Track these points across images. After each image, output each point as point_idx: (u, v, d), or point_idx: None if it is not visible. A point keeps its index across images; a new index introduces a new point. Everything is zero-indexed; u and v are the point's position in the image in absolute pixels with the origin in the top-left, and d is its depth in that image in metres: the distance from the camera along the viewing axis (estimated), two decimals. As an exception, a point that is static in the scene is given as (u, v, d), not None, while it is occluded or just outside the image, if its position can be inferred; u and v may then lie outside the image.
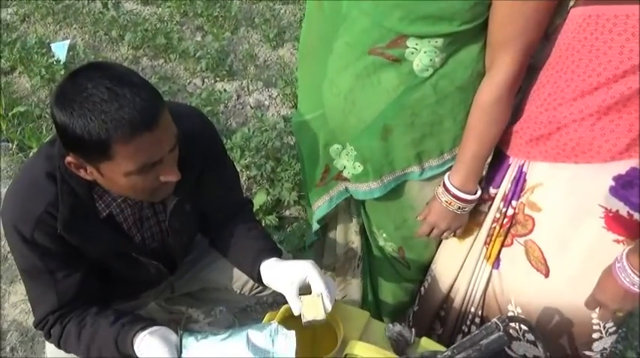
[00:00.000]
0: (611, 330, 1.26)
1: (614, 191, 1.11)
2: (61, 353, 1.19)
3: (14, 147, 2.73)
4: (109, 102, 0.94)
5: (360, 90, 1.28)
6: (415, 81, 1.24)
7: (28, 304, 1.51)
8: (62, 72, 3.23)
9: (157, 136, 0.99)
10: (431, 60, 1.21)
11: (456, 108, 1.27)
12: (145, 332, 1.06)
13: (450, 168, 1.32)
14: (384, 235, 1.56)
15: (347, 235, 1.64)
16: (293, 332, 1.04)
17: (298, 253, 1.96)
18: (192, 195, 1.27)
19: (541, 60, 1.19)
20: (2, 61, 3.33)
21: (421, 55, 1.20)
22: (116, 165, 1.00)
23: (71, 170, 1.06)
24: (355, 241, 1.64)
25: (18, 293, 2.11)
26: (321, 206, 1.53)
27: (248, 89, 3.19)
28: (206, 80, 3.29)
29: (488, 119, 1.21)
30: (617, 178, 1.11)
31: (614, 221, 1.13)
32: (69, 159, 1.03)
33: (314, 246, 1.76)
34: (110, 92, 0.95)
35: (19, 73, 3.33)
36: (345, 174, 1.45)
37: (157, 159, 1.02)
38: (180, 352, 1.03)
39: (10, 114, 2.83)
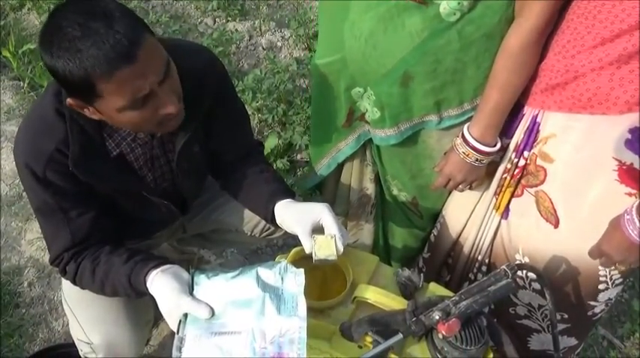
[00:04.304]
0: (617, 281, 1.27)
1: (629, 144, 1.10)
2: (78, 288, 1.22)
3: (25, 85, 2.72)
4: (83, 40, 0.91)
5: (382, 33, 1.25)
6: (440, 26, 1.20)
7: (44, 241, 1.54)
8: (71, 9, 3.15)
9: (139, 69, 0.95)
10: (459, 3, 1.17)
11: (481, 57, 1.24)
12: (158, 270, 1.08)
13: (469, 119, 1.30)
14: (399, 185, 1.56)
15: (362, 182, 1.64)
16: (302, 269, 1.05)
17: (309, 197, 1.97)
18: (201, 135, 1.27)
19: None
20: (11, -4, 3.26)
21: None
22: (107, 102, 0.99)
23: (77, 110, 1.05)
24: (370, 188, 1.65)
25: (34, 231, 2.15)
26: (350, 143, 1.52)
27: (260, 29, 3.12)
28: (217, 19, 3.22)
29: (513, 67, 1.18)
30: (634, 131, 1.09)
31: (627, 174, 1.12)
32: (69, 101, 1.02)
33: (324, 192, 1.76)
34: (83, 28, 0.92)
35: (28, 9, 3.26)
36: (366, 117, 1.43)
37: (147, 92, 0.99)
38: (192, 289, 1.05)
39: (20, 51, 2.80)
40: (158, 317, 1.80)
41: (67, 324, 1.48)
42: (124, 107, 0.99)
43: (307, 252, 1.12)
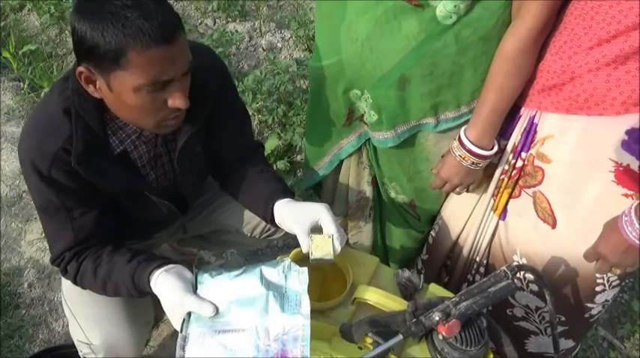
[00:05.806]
0: (614, 283, 1.27)
1: (626, 145, 1.10)
2: (77, 289, 1.22)
3: (26, 86, 2.72)
4: (132, 9, 0.95)
5: (379, 36, 1.25)
6: (437, 29, 1.20)
7: (45, 242, 1.53)
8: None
9: (173, 53, 0.99)
10: (455, 6, 1.16)
11: (478, 60, 1.24)
12: (161, 270, 1.08)
13: (466, 122, 1.30)
14: (397, 188, 1.56)
15: (359, 184, 1.64)
16: (305, 268, 1.06)
17: (309, 198, 1.97)
18: (203, 135, 1.27)
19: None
20: (11, -3, 3.27)
21: (445, 1, 1.15)
22: (127, 76, 0.99)
23: (81, 85, 1.05)
24: (367, 190, 1.65)
25: (34, 232, 2.15)
26: (351, 141, 1.52)
27: (260, 30, 3.12)
28: (217, 20, 3.22)
29: (509, 70, 1.18)
30: (631, 132, 1.09)
31: (624, 175, 1.12)
32: (80, 69, 1.03)
33: (323, 193, 1.76)
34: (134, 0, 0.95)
35: (28, 10, 3.27)
36: (364, 118, 1.43)
37: (169, 78, 1.01)
38: (196, 288, 1.06)
39: (20, 52, 2.80)
40: (158, 318, 1.80)
41: (67, 325, 1.48)
42: (141, 86, 1.00)
43: (304, 251, 1.12)
